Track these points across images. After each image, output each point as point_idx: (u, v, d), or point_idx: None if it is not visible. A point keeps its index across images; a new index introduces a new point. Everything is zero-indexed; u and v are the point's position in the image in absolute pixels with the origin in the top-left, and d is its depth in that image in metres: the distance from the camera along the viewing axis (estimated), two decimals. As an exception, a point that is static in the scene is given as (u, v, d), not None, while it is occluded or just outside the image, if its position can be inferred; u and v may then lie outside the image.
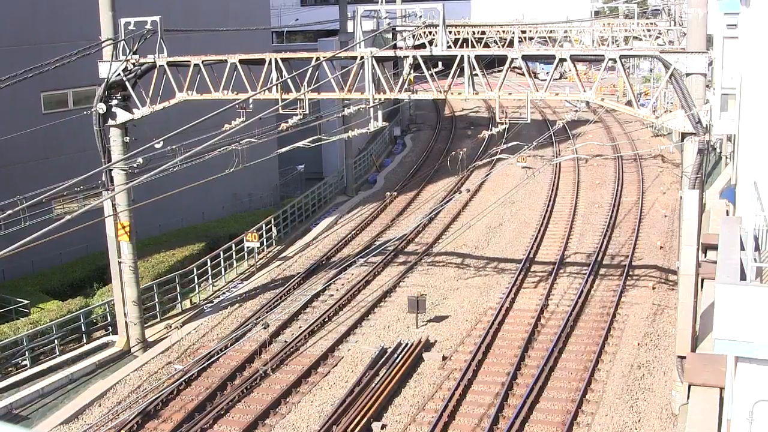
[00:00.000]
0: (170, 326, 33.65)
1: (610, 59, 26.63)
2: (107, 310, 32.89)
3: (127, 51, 29.58)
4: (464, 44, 63.00)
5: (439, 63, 28.83)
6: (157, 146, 27.20)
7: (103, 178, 30.19)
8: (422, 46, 29.61)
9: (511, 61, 27.62)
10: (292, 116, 29.37)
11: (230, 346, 30.61)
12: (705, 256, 28.96)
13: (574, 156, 48.47)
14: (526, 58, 27.93)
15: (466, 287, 36.35)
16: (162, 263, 37.94)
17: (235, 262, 39.82)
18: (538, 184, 52.74)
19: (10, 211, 21.49)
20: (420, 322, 32.42)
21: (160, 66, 29.61)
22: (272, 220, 43.51)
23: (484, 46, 62.83)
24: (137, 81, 30.28)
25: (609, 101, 30.00)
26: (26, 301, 32.68)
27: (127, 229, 30.91)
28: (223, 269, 38.90)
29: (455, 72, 27.79)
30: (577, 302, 33.26)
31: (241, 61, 29.23)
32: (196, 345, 31.99)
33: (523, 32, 67.08)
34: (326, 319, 33.25)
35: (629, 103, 27.22)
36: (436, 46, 28.06)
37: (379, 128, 33.28)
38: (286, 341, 31.20)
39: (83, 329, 31.87)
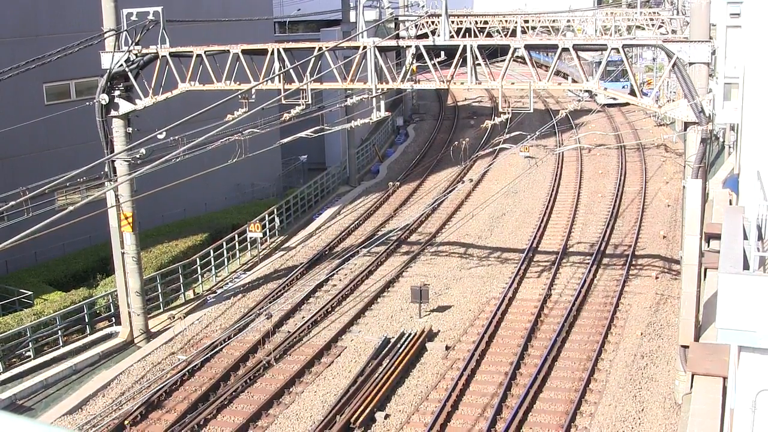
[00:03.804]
0: (173, 317, 33.70)
1: (613, 49, 26.57)
2: (110, 300, 32.93)
3: (130, 42, 29.54)
4: (467, 34, 62.86)
5: (442, 53, 28.77)
6: (160, 137, 27.27)
7: (106, 169, 30.20)
8: (425, 35, 29.58)
9: (514, 51, 27.56)
10: (294, 106, 29.34)
11: (233, 336, 30.67)
12: (708, 246, 28.93)
13: (576, 146, 48.39)
14: (528, 47, 27.88)
15: (469, 277, 36.36)
16: (165, 254, 37.97)
17: (238, 252, 39.84)
18: (541, 173, 52.72)
19: (12, 203, 21.45)
20: (423, 312, 32.44)
21: (162, 56, 29.58)
22: (275, 210, 43.52)
23: (486, 36, 62.70)
24: (140, 72, 30.26)
25: (612, 90, 29.95)
26: (29, 293, 32.72)
27: (130, 219, 30.94)
28: (226, 260, 38.92)
29: (458, 62, 27.74)
30: (580, 292, 33.27)
31: (243, 52, 29.19)
32: (199, 335, 32.04)
33: (526, 22, 66.92)
34: (329, 310, 33.29)
35: (632, 93, 27.15)
36: (438, 35, 28.01)
37: (381, 118, 33.26)
38: (289, 331, 31.24)
39: (86, 320, 31.90)
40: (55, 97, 39.07)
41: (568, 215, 44.59)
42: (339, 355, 29.51)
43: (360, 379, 27.00)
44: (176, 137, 27.31)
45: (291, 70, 28.50)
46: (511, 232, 42.63)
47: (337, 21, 59.64)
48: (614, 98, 64.77)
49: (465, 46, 27.54)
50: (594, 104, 71.64)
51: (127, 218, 30.91)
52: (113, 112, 30.27)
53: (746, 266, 14.97)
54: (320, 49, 28.90)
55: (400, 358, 28.03)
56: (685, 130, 25.16)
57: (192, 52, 29.57)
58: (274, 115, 35.76)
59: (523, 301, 33.37)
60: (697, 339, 24.76)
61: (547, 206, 46.12)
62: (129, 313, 31.63)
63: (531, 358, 28.35)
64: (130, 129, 30.59)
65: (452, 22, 62.12)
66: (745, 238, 16.25)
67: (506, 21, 64.85)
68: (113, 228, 31.22)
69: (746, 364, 14.75)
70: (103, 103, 29.92)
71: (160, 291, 34.70)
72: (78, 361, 29.51)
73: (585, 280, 34.51)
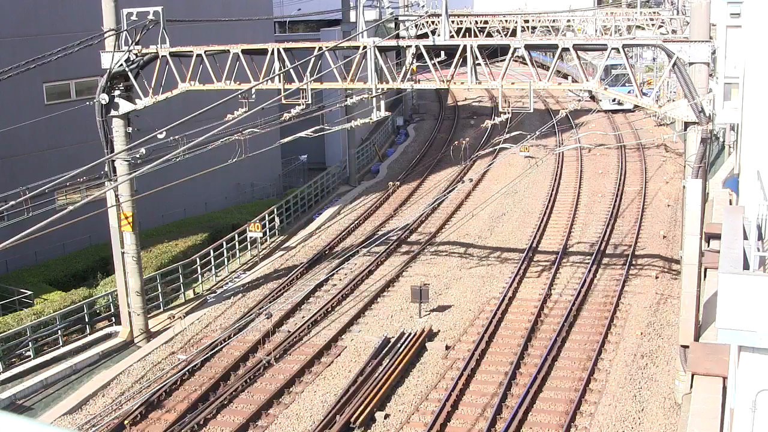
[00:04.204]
0: (173, 316, 33.70)
1: (613, 48, 26.56)
2: (110, 300, 32.93)
3: (130, 41, 29.54)
4: (467, 34, 62.90)
5: (442, 53, 28.78)
6: (160, 137, 27.27)
7: (106, 169, 30.20)
8: (425, 35, 29.59)
9: (514, 51, 27.57)
10: (294, 106, 29.35)
11: (233, 336, 30.65)
12: (708, 246, 28.92)
13: (576, 145, 48.46)
14: (528, 47, 27.88)
15: (470, 277, 36.36)
16: (165, 254, 37.97)
17: (238, 252, 39.83)
18: (541, 173, 52.71)
19: (13, 202, 21.46)
20: (423, 312, 32.44)
21: (162, 56, 29.58)
22: (275, 210, 43.52)
23: (486, 36, 62.71)
24: (140, 71, 30.25)
25: (612, 90, 29.95)
26: (29, 292, 32.71)
27: (130, 219, 30.94)
28: (226, 259, 38.92)
29: (458, 61, 27.75)
30: (580, 292, 33.26)
31: (243, 51, 29.19)
32: (199, 335, 32.04)
33: (526, 21, 66.95)
34: (329, 309, 33.29)
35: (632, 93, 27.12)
36: (438, 35, 28.01)
37: (381, 118, 33.25)
38: (289, 331, 31.24)
39: (86, 320, 31.89)
40: (55, 96, 39.08)
41: (568, 215, 44.58)
42: (339, 354, 29.51)
43: (360, 378, 27.00)
44: (176, 137, 27.31)
45: (291, 70, 28.49)
46: (511, 231, 42.64)
47: (337, 21, 59.64)
48: (619, 104, 64.74)
49: (465, 46, 27.54)
50: (594, 104, 71.56)
51: (127, 218, 30.90)
52: (113, 112, 30.26)
53: (746, 266, 14.97)
54: (320, 48, 28.91)
55: (400, 358, 28.03)
56: (685, 130, 25.15)
57: (192, 51, 29.57)
58: (274, 115, 35.76)
59: (523, 301, 33.37)
60: (697, 339, 24.76)
61: (547, 206, 46.11)
62: (129, 312, 31.63)
63: (531, 357, 28.34)
64: (130, 129, 30.59)
65: (452, 21, 62.11)
66: (745, 238, 16.24)
67: (506, 21, 64.88)
68: (113, 228, 31.22)
69: (746, 364, 14.74)
70: (103, 102, 29.92)
71: (160, 291, 34.71)
72: (78, 361, 29.51)
73: (585, 280, 34.51)
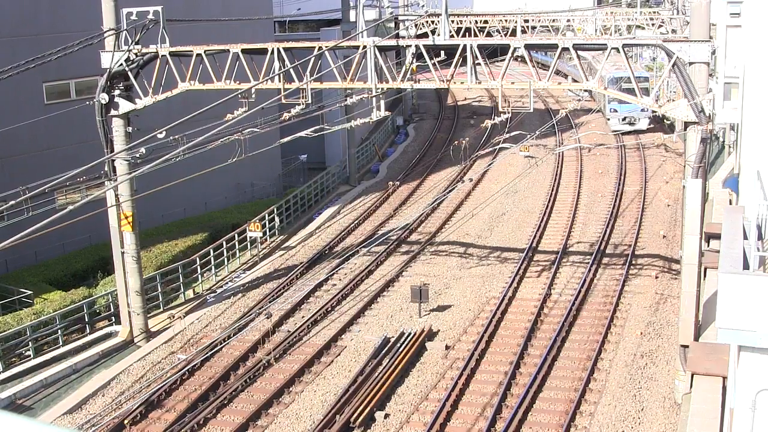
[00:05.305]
0: (173, 316, 33.68)
1: (612, 48, 26.55)
2: (110, 300, 32.92)
3: (129, 41, 29.53)
4: (467, 33, 62.91)
5: (442, 52, 28.79)
6: (160, 136, 27.26)
7: (106, 169, 30.20)
8: (425, 35, 29.58)
9: (514, 50, 27.56)
10: (294, 106, 29.35)
11: (233, 336, 30.64)
12: (708, 246, 28.93)
13: (576, 145, 48.44)
14: (528, 47, 27.88)
15: (469, 276, 36.35)
16: (165, 253, 37.97)
17: (238, 252, 39.82)
18: (541, 173, 52.70)
19: (12, 202, 21.47)
20: (423, 312, 32.43)
21: (162, 56, 29.57)
22: (275, 209, 43.51)
23: (486, 36, 62.71)
24: (139, 71, 30.24)
25: (611, 90, 29.93)
26: (29, 292, 32.71)
27: (130, 219, 30.93)
28: (226, 259, 38.90)
29: (458, 61, 27.74)
30: (579, 291, 33.26)
31: (243, 51, 29.18)
32: (199, 335, 32.04)
33: (526, 21, 66.96)
34: (329, 309, 33.28)
35: (632, 92, 27.12)
36: (438, 35, 28.01)
37: (381, 118, 33.27)
38: (289, 331, 31.23)
39: (86, 319, 31.89)
40: (55, 96, 39.08)
41: (568, 215, 44.58)
42: (339, 354, 29.50)
43: (360, 378, 27.00)
44: (176, 137, 27.31)
45: (291, 70, 28.49)
46: (511, 231, 42.62)
47: (337, 20, 59.64)
48: (630, 123, 64.34)
49: (465, 46, 27.54)
50: (593, 103, 71.53)
51: (127, 218, 30.90)
52: (113, 112, 30.25)
53: (746, 266, 14.97)
54: (320, 48, 28.90)
55: (399, 358, 28.03)
56: (685, 129, 25.15)
57: (192, 51, 29.57)
58: (274, 114, 35.77)
59: (522, 301, 33.37)
60: (697, 339, 24.76)
61: (547, 206, 46.11)
62: (129, 312, 31.62)
63: (531, 357, 28.34)
64: (130, 128, 30.58)
65: (452, 21, 62.10)
66: (745, 237, 16.25)
67: (506, 20, 64.88)
68: (113, 227, 31.22)
69: (746, 364, 14.74)
70: (103, 102, 29.91)
71: (159, 290, 34.70)
72: (78, 361, 29.50)
73: (585, 280, 34.50)
